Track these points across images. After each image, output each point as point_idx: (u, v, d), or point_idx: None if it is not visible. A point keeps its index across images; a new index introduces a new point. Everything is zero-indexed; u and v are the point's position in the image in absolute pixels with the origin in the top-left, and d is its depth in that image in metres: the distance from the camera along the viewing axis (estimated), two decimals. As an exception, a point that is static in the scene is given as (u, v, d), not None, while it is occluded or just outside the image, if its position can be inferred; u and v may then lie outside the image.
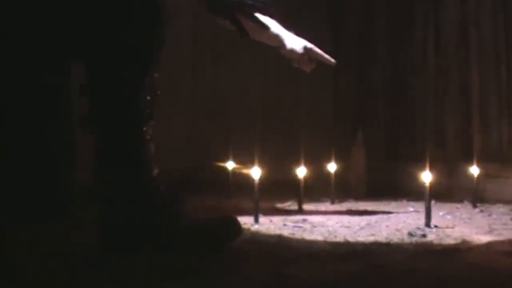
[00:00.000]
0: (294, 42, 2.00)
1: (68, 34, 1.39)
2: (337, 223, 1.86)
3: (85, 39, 1.38)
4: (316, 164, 2.48)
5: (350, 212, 2.11)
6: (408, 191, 2.50)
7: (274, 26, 1.96)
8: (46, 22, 1.38)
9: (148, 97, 1.41)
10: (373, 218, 1.95)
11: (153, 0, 1.41)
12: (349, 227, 1.79)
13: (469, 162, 2.33)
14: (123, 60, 1.38)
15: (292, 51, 2.00)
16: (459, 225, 1.80)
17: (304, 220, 1.88)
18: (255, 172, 1.85)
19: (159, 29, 1.42)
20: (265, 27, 1.89)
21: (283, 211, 2.14)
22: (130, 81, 1.39)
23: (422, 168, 1.78)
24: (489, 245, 1.48)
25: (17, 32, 1.40)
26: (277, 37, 1.98)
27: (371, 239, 1.59)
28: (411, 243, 1.53)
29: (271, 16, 1.93)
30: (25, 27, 1.40)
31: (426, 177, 1.76)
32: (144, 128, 1.40)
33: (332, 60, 2.06)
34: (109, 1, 1.37)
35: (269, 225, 1.80)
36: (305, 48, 2.01)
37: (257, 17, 1.84)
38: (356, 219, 1.94)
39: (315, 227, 1.77)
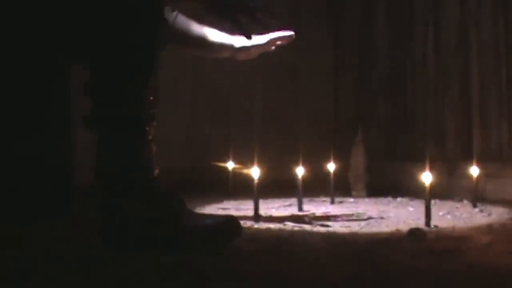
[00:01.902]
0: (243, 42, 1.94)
1: (70, 35, 1.39)
2: (337, 223, 1.86)
3: (87, 39, 1.38)
4: (315, 164, 2.48)
5: (349, 212, 2.11)
6: (408, 191, 2.50)
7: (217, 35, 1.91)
8: (48, 23, 1.38)
9: (151, 97, 1.41)
10: (373, 218, 1.95)
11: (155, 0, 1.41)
12: (349, 227, 1.79)
13: (469, 162, 2.33)
14: (126, 59, 1.38)
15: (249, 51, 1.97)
16: (459, 225, 1.80)
17: (305, 220, 1.88)
18: (255, 172, 1.85)
19: (161, 28, 1.42)
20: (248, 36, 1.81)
21: (283, 210, 2.14)
22: (134, 80, 1.39)
23: (422, 168, 1.78)
24: (489, 245, 1.48)
25: (17, 33, 1.40)
26: (227, 47, 1.94)
27: (371, 239, 1.59)
28: (411, 243, 1.53)
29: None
30: (26, 28, 1.40)
31: (426, 177, 1.76)
32: (147, 128, 1.40)
33: (291, 32, 1.95)
34: (110, 1, 1.37)
35: (269, 225, 1.80)
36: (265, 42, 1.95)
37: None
38: (356, 219, 1.94)
39: (315, 227, 1.78)
